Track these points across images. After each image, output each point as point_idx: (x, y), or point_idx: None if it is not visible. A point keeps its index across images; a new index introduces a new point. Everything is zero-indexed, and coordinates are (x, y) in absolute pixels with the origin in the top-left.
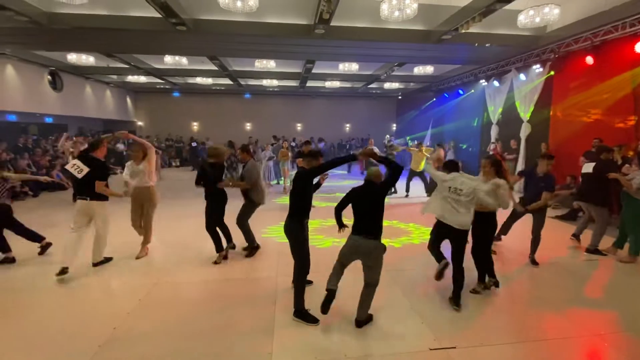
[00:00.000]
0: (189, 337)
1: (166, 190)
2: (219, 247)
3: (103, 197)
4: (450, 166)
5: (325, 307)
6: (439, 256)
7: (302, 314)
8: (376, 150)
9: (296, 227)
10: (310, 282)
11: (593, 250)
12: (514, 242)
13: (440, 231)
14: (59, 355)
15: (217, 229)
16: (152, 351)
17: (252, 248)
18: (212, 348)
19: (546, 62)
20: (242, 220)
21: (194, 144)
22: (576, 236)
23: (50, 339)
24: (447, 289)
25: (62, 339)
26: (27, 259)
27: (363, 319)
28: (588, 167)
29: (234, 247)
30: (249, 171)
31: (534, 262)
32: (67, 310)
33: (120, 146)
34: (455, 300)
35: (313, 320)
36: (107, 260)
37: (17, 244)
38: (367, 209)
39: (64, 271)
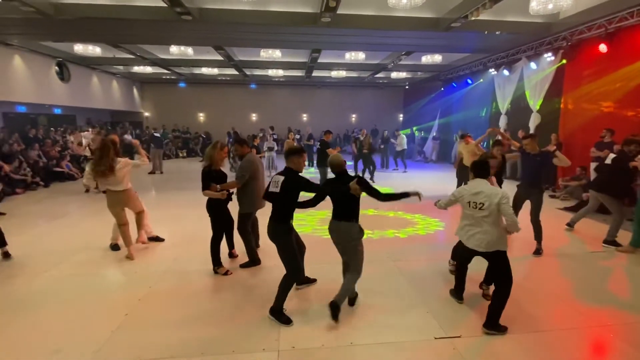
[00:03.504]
0: (198, 323)
1: (176, 179)
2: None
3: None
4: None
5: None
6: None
7: (277, 313)
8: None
9: (283, 232)
10: (314, 281)
11: (611, 241)
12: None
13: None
14: (73, 341)
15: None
16: (162, 338)
17: (250, 260)
18: (220, 334)
19: (558, 50)
20: (240, 230)
21: (203, 136)
22: (571, 225)
23: (64, 326)
24: (452, 279)
25: (75, 325)
26: (42, 247)
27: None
28: (609, 159)
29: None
30: (240, 167)
31: (537, 252)
32: (80, 297)
33: (128, 137)
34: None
35: (286, 321)
36: (114, 247)
37: (30, 233)
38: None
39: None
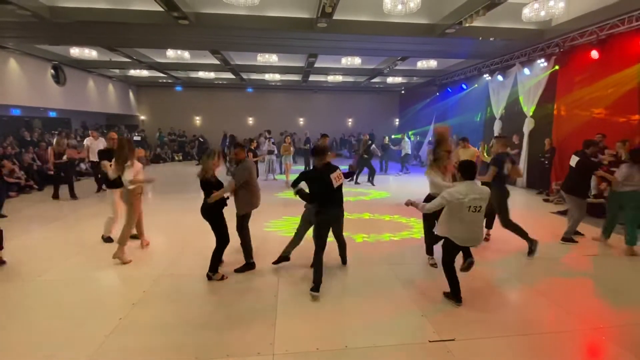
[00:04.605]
0: (192, 328)
1: (170, 183)
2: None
3: (114, 185)
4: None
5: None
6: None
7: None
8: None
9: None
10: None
11: (569, 239)
12: (509, 235)
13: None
14: (67, 345)
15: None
16: (157, 342)
17: (245, 264)
18: (214, 339)
19: (551, 56)
20: (239, 231)
21: (200, 140)
22: (570, 238)
23: (58, 330)
24: (446, 282)
25: (69, 329)
26: (35, 251)
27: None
28: (573, 161)
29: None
30: (237, 172)
31: (530, 253)
32: (74, 301)
33: None
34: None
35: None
36: (108, 239)
37: (23, 237)
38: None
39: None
